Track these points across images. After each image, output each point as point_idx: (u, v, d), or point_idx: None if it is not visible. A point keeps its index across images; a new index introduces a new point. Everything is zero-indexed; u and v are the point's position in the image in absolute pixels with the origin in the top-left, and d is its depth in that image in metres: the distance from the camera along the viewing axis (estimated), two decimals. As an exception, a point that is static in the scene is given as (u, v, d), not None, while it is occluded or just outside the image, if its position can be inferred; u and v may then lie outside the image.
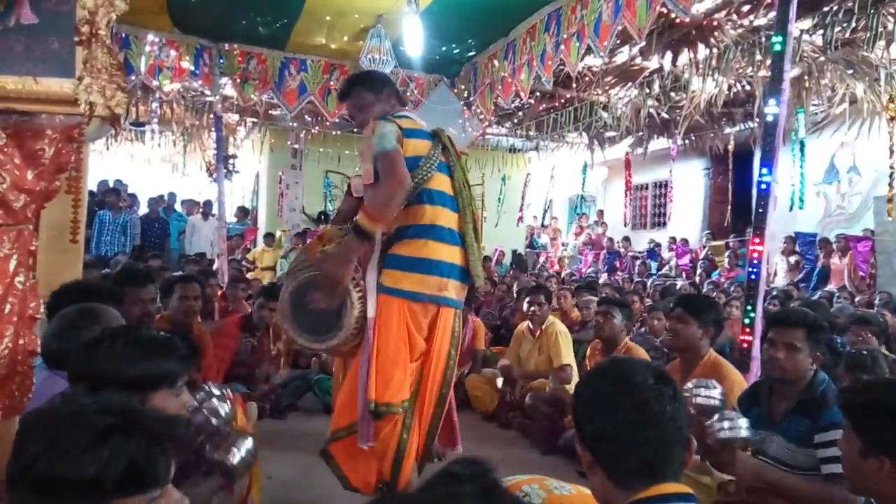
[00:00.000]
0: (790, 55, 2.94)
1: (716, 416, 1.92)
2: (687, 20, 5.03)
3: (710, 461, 2.13)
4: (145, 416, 0.91)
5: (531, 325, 4.12)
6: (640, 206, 12.50)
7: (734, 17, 5.61)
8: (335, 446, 2.27)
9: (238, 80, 5.74)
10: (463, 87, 6.29)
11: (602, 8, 4.01)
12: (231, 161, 9.88)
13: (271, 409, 3.78)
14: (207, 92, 6.74)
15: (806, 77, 6.24)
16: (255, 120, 9.39)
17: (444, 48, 5.72)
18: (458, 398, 4.18)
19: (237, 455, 1.58)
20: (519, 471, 1.43)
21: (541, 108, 8.49)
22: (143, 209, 9.34)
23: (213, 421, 1.64)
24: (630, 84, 7.23)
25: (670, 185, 10.55)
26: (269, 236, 9.32)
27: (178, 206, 9.99)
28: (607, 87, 7.43)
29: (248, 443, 1.62)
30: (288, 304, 2.30)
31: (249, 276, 7.36)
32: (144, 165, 12.52)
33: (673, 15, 4.65)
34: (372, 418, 2.17)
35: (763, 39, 5.39)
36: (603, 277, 9.20)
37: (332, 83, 5.88)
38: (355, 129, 2.45)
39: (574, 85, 7.22)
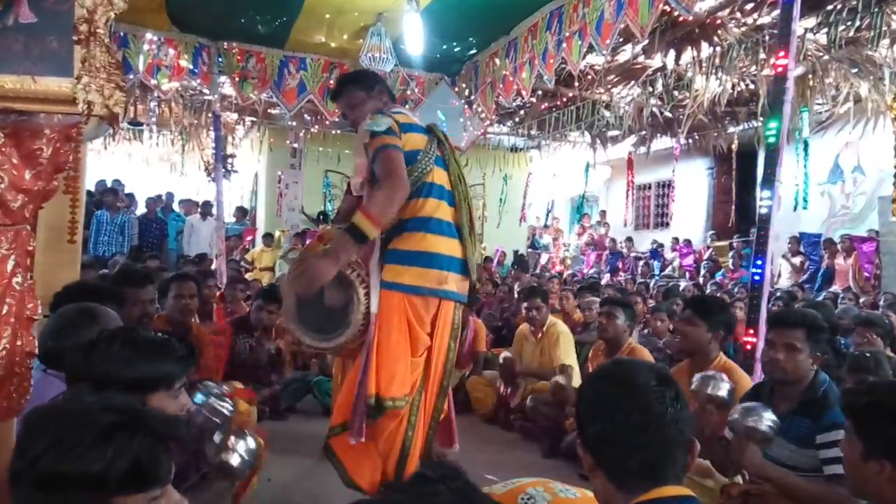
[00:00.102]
0: (794, 54, 2.92)
1: (741, 406, 1.92)
2: (690, 18, 5.02)
3: (712, 460, 2.12)
4: (149, 416, 0.92)
5: (532, 328, 4.11)
6: (642, 206, 12.48)
7: (737, 15, 5.59)
8: (336, 441, 2.26)
9: (237, 79, 5.72)
10: (464, 85, 6.27)
11: (604, 6, 3.99)
12: (229, 160, 9.88)
13: (271, 411, 3.76)
14: (206, 91, 6.73)
15: (810, 76, 6.22)
16: (253, 119, 9.38)
17: (444, 46, 5.70)
18: (460, 400, 4.20)
19: (238, 456, 1.55)
20: (521, 474, 1.41)
21: (542, 106, 8.47)
22: (140, 209, 9.33)
23: (215, 420, 1.62)
24: (633, 83, 7.21)
25: (673, 184, 10.53)
26: (268, 236, 9.31)
27: (176, 206, 9.98)
28: (610, 86, 7.41)
29: (250, 443, 1.59)
30: (293, 304, 2.29)
31: (248, 276, 7.34)
32: (142, 165, 12.51)
33: (676, 13, 4.63)
34: (375, 413, 2.16)
35: (766, 38, 5.37)
36: (605, 278, 9.18)
37: (331, 82, 5.86)
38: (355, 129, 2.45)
39: (576, 83, 7.20)
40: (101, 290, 2.05)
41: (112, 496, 0.83)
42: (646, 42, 5.03)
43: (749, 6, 5.42)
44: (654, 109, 7.73)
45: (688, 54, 6.25)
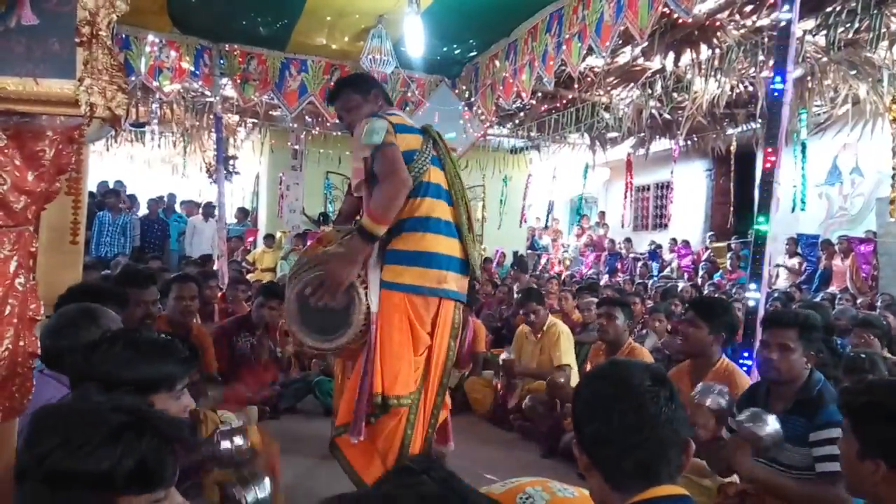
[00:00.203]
0: (792, 56, 2.93)
1: (748, 412, 1.93)
2: (689, 20, 5.02)
3: (708, 460, 2.13)
4: (157, 417, 0.93)
5: (532, 328, 4.12)
6: (641, 207, 12.49)
7: (737, 17, 5.60)
8: (343, 441, 2.28)
9: (238, 81, 5.74)
10: (464, 87, 6.28)
11: (604, 8, 4.00)
12: (231, 162, 9.87)
13: (271, 411, 3.77)
14: (207, 93, 6.74)
15: (809, 78, 6.23)
16: (255, 121, 9.39)
17: (445, 48, 5.71)
18: (458, 400, 4.21)
19: (252, 496, 1.58)
20: (519, 473, 1.42)
21: (542, 108, 8.48)
22: (142, 210, 9.34)
23: (236, 455, 1.63)
24: (632, 85, 7.22)
25: (672, 186, 10.54)
26: (270, 237, 9.32)
27: (177, 208, 9.99)
28: (609, 88, 7.42)
29: (266, 485, 1.61)
30: (295, 305, 2.30)
31: (249, 277, 7.35)
32: (144, 166, 12.53)
33: (675, 15, 4.64)
34: (378, 413, 2.17)
35: (765, 40, 5.38)
36: (604, 279, 9.19)
37: (332, 84, 5.87)
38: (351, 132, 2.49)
39: (576, 85, 7.21)
40: (103, 291, 2.06)
41: (117, 496, 0.84)
42: (645, 44, 5.03)
43: (748, 8, 5.44)
44: (653, 111, 7.74)
45: (687, 56, 6.26)
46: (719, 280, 8.42)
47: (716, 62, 6.00)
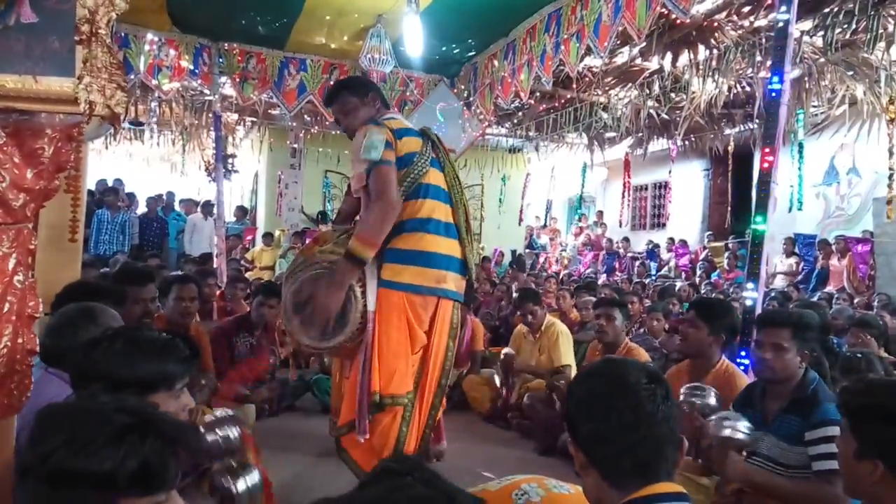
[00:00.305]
0: (790, 56, 2.94)
1: (716, 416, 1.93)
2: (687, 21, 5.03)
3: (703, 460, 2.14)
4: (160, 419, 0.92)
5: (530, 329, 4.12)
6: (639, 206, 12.51)
7: (734, 18, 5.61)
8: (346, 440, 2.29)
9: (237, 80, 5.74)
10: (463, 87, 6.29)
11: (602, 8, 4.01)
12: (230, 160, 9.88)
13: (269, 409, 3.77)
14: (206, 91, 6.74)
15: (806, 78, 6.25)
16: (254, 119, 9.39)
17: (443, 48, 5.72)
18: (457, 399, 4.22)
19: (243, 485, 1.58)
20: (517, 471, 1.43)
21: (540, 108, 8.50)
22: (141, 208, 9.33)
23: (224, 447, 1.63)
24: (630, 85, 7.23)
25: (670, 185, 10.56)
26: (268, 236, 9.32)
27: (176, 206, 9.98)
28: (607, 88, 7.44)
29: (256, 476, 1.61)
30: (290, 305, 2.31)
31: (248, 275, 7.35)
32: (143, 165, 12.51)
33: (673, 16, 4.65)
34: (373, 411, 2.18)
35: (763, 41, 5.40)
36: (602, 278, 9.20)
37: (331, 83, 5.87)
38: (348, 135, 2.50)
39: (574, 85, 7.22)
40: (101, 288, 2.07)
41: (118, 497, 0.84)
42: (643, 44, 5.04)
43: (746, 9, 5.45)
44: (651, 111, 7.75)
45: (685, 57, 6.28)
46: (717, 279, 8.44)
47: (713, 62, 6.02)
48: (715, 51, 5.94)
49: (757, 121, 7.44)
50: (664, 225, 11.35)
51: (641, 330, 4.67)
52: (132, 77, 5.24)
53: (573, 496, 1.21)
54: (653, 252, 10.57)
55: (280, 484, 2.73)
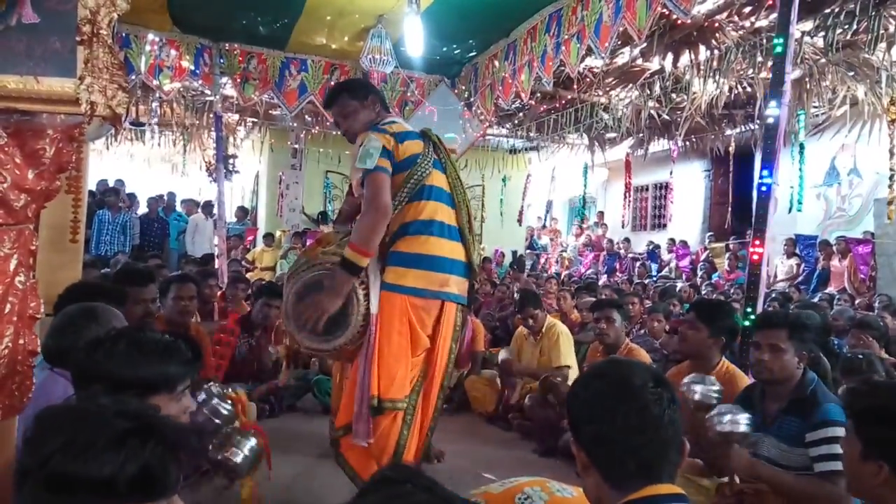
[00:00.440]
0: (791, 57, 2.94)
1: (716, 409, 1.93)
2: (688, 21, 5.03)
3: (704, 457, 2.14)
4: (162, 423, 0.91)
5: (531, 331, 4.12)
6: (640, 207, 12.50)
7: (735, 18, 5.61)
8: (343, 442, 2.28)
9: (238, 80, 5.74)
10: (463, 87, 6.29)
11: (602, 9, 4.01)
12: (231, 161, 9.87)
13: (270, 410, 3.77)
14: (207, 91, 6.74)
15: (807, 79, 6.24)
16: (255, 120, 9.39)
17: (444, 48, 5.72)
18: (458, 399, 4.22)
19: (240, 454, 1.58)
20: (518, 472, 1.43)
21: (541, 109, 8.49)
22: (142, 209, 9.34)
23: (215, 421, 1.64)
24: (631, 85, 7.23)
25: (671, 186, 10.56)
26: (269, 236, 9.32)
27: (177, 206, 9.99)
28: (608, 89, 7.43)
29: (252, 442, 1.62)
30: (291, 306, 2.30)
31: (249, 276, 7.34)
32: (144, 165, 12.52)
33: (674, 16, 4.64)
34: (371, 414, 2.18)
35: (764, 41, 5.39)
36: (602, 279, 9.20)
37: (332, 83, 5.88)
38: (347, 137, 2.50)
39: (575, 86, 7.21)
40: (102, 289, 2.06)
41: (119, 503, 0.82)
42: (644, 45, 5.04)
43: (746, 10, 5.45)
44: (652, 112, 7.74)
45: (685, 57, 6.27)
46: (717, 280, 8.43)
47: (714, 63, 6.01)
48: (716, 51, 5.94)
49: (758, 122, 7.43)
50: (665, 226, 11.35)
51: (642, 331, 4.66)
52: (133, 77, 5.24)
53: (576, 499, 1.20)
54: (653, 253, 10.57)
55: (280, 484, 2.73)
